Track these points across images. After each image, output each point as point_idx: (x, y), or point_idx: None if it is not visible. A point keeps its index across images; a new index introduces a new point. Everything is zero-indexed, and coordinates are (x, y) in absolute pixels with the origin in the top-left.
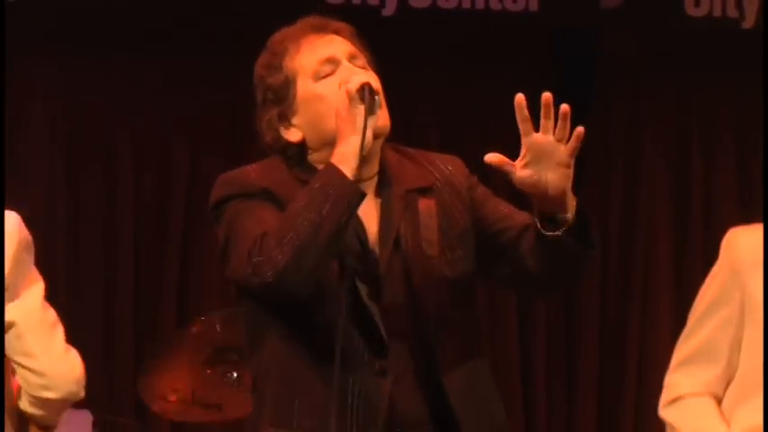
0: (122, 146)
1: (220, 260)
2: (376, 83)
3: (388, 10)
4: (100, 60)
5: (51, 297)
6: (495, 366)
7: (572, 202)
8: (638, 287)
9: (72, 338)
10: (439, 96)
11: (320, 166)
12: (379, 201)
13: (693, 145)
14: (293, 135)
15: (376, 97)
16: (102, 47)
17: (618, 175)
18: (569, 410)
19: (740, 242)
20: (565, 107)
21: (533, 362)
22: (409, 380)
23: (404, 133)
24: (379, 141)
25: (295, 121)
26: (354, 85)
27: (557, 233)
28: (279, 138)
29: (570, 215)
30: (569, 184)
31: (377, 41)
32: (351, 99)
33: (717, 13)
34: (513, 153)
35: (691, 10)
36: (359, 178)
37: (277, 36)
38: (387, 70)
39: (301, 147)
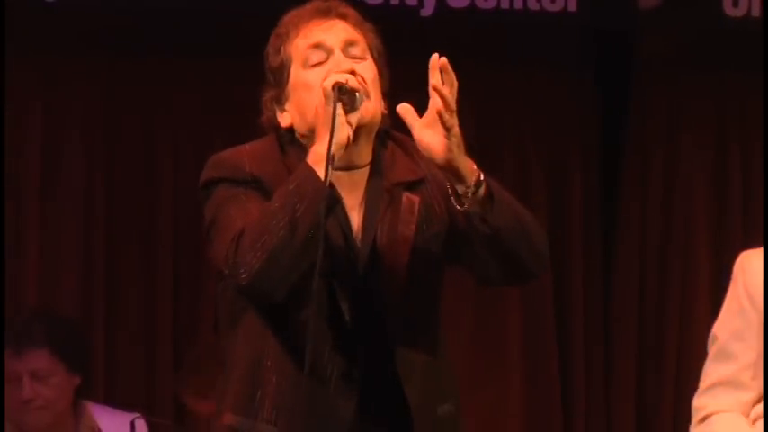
0: (162, 146)
1: (205, 239)
2: (363, 75)
3: (427, 10)
4: (138, 63)
5: (90, 299)
6: (533, 365)
7: (471, 175)
8: (676, 288)
9: (111, 342)
10: (476, 96)
11: (308, 146)
12: (365, 193)
13: (732, 146)
14: (284, 120)
15: (357, 93)
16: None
17: (656, 176)
18: (607, 409)
19: (752, 265)
20: (437, 60)
21: (571, 360)
22: (376, 385)
23: None
24: (368, 131)
25: (287, 106)
26: (329, 83)
27: (464, 209)
28: (273, 119)
29: (467, 188)
30: (452, 154)
31: (415, 41)
32: (326, 97)
33: (755, 13)
34: (551, 151)
35: (729, 10)
36: (349, 166)
37: (286, 17)
38: (424, 70)
39: (291, 131)
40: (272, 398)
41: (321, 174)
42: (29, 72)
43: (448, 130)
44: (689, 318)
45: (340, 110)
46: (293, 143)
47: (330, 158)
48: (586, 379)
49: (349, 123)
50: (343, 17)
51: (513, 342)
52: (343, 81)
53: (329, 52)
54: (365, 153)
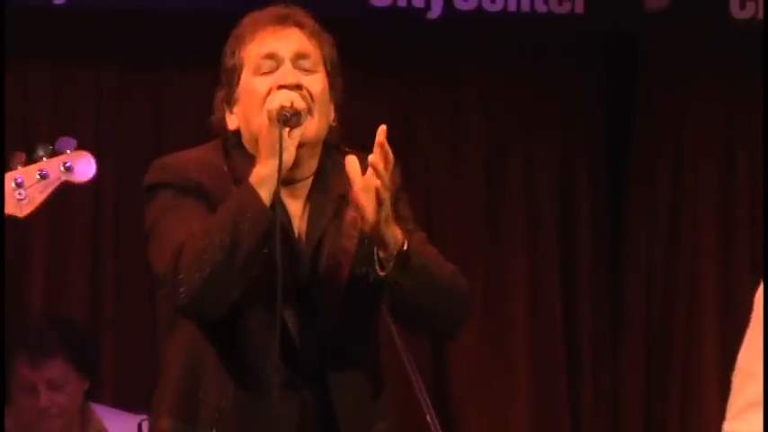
0: (173, 148)
1: (144, 243)
2: (309, 89)
3: (434, 13)
4: (149, 64)
5: (98, 301)
6: (540, 364)
7: (395, 245)
8: (684, 287)
9: (119, 343)
10: (484, 98)
11: (253, 152)
12: (309, 204)
13: (739, 147)
14: (231, 122)
15: (302, 112)
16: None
17: (663, 177)
18: (615, 408)
19: None
20: (380, 135)
21: (579, 358)
22: (315, 398)
23: (449, 134)
24: (311, 147)
25: (235, 109)
26: (274, 106)
27: (383, 274)
28: (222, 119)
29: (389, 256)
30: (379, 225)
31: (422, 44)
32: (270, 120)
33: (762, 15)
34: (559, 151)
35: (736, 12)
36: (290, 180)
37: (245, 19)
38: (431, 72)
39: (238, 134)
40: (213, 404)
41: (264, 195)
42: (38, 72)
43: (379, 204)
44: (696, 315)
45: (285, 133)
46: (239, 147)
47: (279, 184)
48: (594, 377)
49: (291, 141)
50: (299, 26)
51: (520, 340)
52: (287, 104)
53: (279, 62)
54: (307, 167)
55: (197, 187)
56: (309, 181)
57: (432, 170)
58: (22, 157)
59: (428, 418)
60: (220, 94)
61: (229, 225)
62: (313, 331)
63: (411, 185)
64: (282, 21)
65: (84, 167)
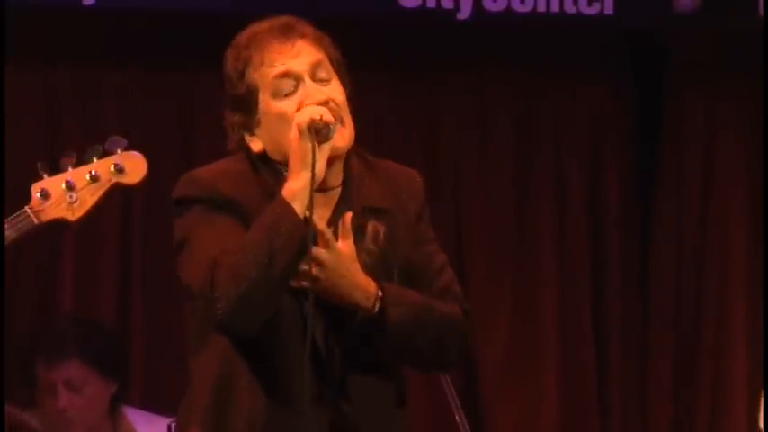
0: (201, 152)
1: (175, 257)
2: (334, 100)
3: (463, 14)
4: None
5: (127, 304)
6: (569, 367)
7: (366, 301)
8: (713, 290)
9: (148, 346)
10: (512, 99)
11: (283, 168)
12: (333, 215)
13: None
14: (255, 145)
15: (331, 126)
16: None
17: (692, 177)
18: (644, 411)
19: None
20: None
21: (608, 362)
22: (341, 411)
23: (477, 134)
24: (341, 155)
25: (257, 132)
26: (304, 119)
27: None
28: (242, 142)
29: (365, 311)
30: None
31: (451, 45)
32: (300, 134)
33: None
34: (588, 152)
35: (764, 12)
36: (323, 188)
37: (243, 37)
38: (460, 72)
39: (264, 154)
40: (245, 417)
41: (298, 209)
42: (65, 73)
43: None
44: (726, 314)
45: (313, 146)
46: (266, 163)
47: (312, 197)
48: (622, 381)
49: (322, 153)
50: (302, 36)
51: (549, 340)
52: (317, 117)
53: (298, 80)
54: (335, 176)
55: (229, 202)
56: (338, 191)
57: (459, 171)
58: (73, 158)
59: (457, 417)
60: (235, 120)
61: (264, 240)
62: (339, 343)
63: (438, 187)
64: (285, 35)
65: (135, 168)
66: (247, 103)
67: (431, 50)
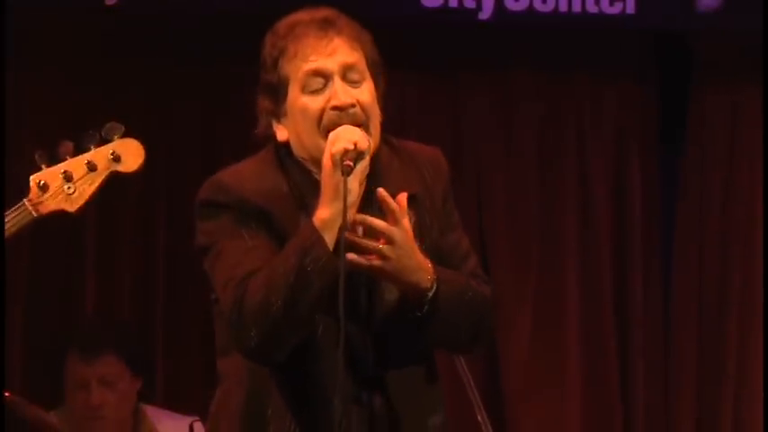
0: (224, 148)
1: (201, 261)
2: (363, 103)
3: (485, 13)
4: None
5: (149, 302)
6: (592, 366)
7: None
8: (736, 288)
9: (170, 345)
10: (535, 98)
11: (307, 164)
12: (363, 200)
13: None
14: (281, 133)
15: (365, 152)
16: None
17: (716, 178)
18: (666, 411)
19: None
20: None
21: (631, 361)
22: (376, 410)
23: (500, 134)
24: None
25: (283, 121)
26: (338, 150)
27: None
28: (269, 128)
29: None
30: (386, 276)
31: (473, 44)
32: (333, 165)
33: None
34: (611, 151)
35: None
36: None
37: (283, 25)
38: (482, 72)
39: (287, 145)
40: (282, 421)
41: (328, 239)
42: (88, 73)
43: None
44: (749, 317)
45: (345, 179)
46: (292, 157)
47: (344, 215)
48: (646, 380)
49: (355, 177)
50: (340, 32)
51: (571, 343)
52: (351, 147)
53: (328, 78)
54: (365, 165)
55: (258, 212)
56: (364, 182)
57: (483, 170)
58: (70, 146)
59: (479, 417)
60: (265, 105)
61: (293, 277)
62: (369, 343)
63: (462, 185)
64: (324, 28)
65: (133, 156)
66: (277, 92)
67: (452, 50)
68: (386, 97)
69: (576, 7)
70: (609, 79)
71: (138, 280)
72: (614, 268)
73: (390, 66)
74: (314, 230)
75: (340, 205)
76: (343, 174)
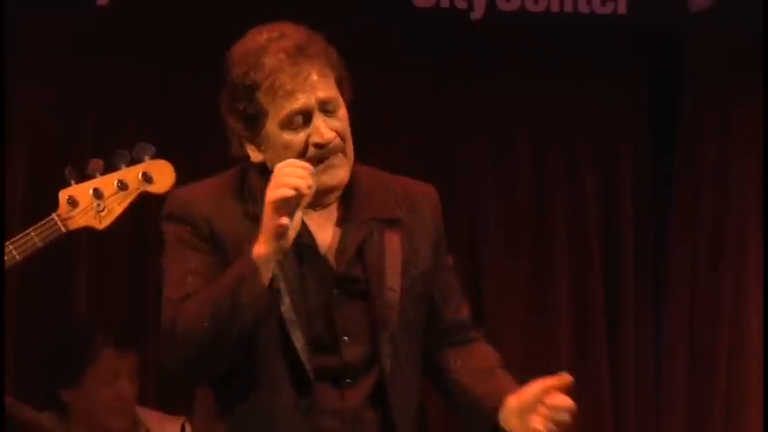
0: (212, 148)
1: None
2: (342, 134)
3: (477, 13)
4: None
5: (140, 304)
6: (583, 366)
7: None
8: (728, 289)
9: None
10: (526, 98)
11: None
12: (339, 225)
13: None
14: (255, 156)
15: (307, 194)
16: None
17: (708, 177)
18: (657, 410)
19: None
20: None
21: (622, 360)
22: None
23: (491, 134)
24: (339, 187)
25: (261, 148)
26: (278, 197)
27: None
28: (242, 148)
29: None
30: None
31: (465, 44)
32: (274, 209)
33: None
34: (602, 152)
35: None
36: (319, 204)
37: (251, 52)
38: (474, 72)
39: (262, 165)
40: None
41: (263, 273)
42: (83, 73)
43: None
44: (741, 320)
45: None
46: (262, 173)
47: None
48: (637, 382)
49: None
50: (312, 62)
51: (562, 346)
52: (291, 195)
53: (308, 117)
54: (335, 194)
55: (208, 235)
56: (334, 204)
57: (474, 171)
58: (100, 164)
59: None
60: (237, 128)
61: (226, 306)
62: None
63: (453, 188)
64: (296, 62)
65: (163, 177)
66: (253, 123)
67: (444, 50)
68: (355, 103)
69: (568, 7)
70: (600, 79)
71: (130, 282)
72: (605, 270)
73: (382, 65)
74: (251, 263)
75: (277, 245)
76: (281, 208)
